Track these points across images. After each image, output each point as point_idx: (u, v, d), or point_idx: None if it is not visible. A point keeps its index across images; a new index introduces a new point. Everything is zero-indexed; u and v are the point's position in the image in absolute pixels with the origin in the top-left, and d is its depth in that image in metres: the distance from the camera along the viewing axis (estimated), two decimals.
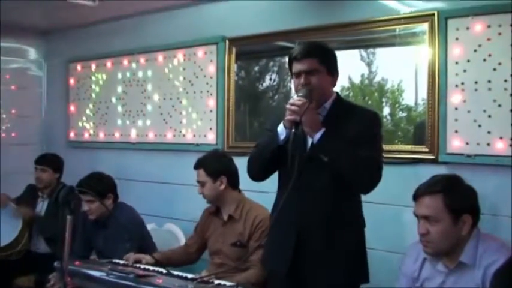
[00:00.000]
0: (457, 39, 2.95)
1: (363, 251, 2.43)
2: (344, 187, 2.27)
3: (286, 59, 2.47)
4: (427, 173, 2.45)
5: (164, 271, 2.67)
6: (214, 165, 3.10)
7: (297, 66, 2.34)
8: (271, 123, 2.51)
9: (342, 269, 2.31)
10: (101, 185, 3.45)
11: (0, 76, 5.13)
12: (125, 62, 4.70)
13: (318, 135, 2.23)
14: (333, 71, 2.39)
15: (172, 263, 3.12)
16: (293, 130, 2.20)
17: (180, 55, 4.28)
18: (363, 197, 2.39)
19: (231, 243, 3.01)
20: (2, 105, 5.21)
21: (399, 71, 3.21)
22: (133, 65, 4.63)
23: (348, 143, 2.21)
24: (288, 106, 2.22)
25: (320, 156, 2.23)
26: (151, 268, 2.75)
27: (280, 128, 2.30)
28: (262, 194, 2.93)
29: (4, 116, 5.24)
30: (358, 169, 2.22)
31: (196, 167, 3.14)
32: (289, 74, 2.45)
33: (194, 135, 4.19)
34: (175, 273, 2.66)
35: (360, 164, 2.21)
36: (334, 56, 2.41)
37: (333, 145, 2.22)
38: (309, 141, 2.30)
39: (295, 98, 2.25)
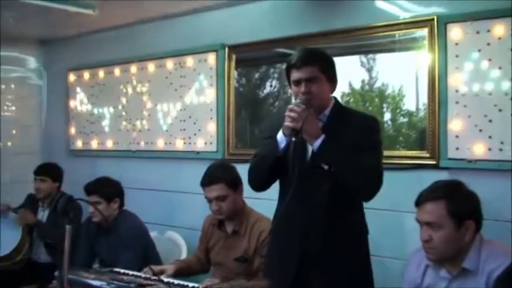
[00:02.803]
0: (456, 44, 2.95)
1: (367, 257, 2.41)
2: (346, 195, 2.25)
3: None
4: (428, 178, 2.43)
5: (165, 280, 2.66)
6: (233, 175, 2.95)
7: (297, 74, 2.29)
8: (270, 130, 2.46)
9: (346, 277, 2.28)
10: (108, 188, 3.46)
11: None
12: (125, 70, 4.70)
13: (318, 142, 2.19)
14: (332, 78, 2.36)
15: (192, 272, 3.13)
16: (293, 139, 2.15)
17: (179, 63, 4.28)
18: (364, 204, 2.38)
19: (235, 258, 2.91)
20: (2, 114, 5.21)
21: (399, 77, 3.21)
22: (133, 73, 4.63)
23: (348, 150, 2.19)
24: (287, 113, 2.17)
25: (321, 165, 2.19)
26: (152, 277, 2.73)
27: (280, 136, 2.26)
28: (262, 200, 2.85)
29: (4, 125, 5.23)
30: (359, 176, 2.19)
31: (214, 181, 2.89)
32: (287, 81, 2.39)
33: (194, 143, 4.18)
34: (176, 282, 2.66)
35: (361, 170, 2.19)
36: (333, 63, 2.38)
37: (333, 152, 2.19)
38: (309, 148, 2.27)
39: (293, 104, 2.21)
